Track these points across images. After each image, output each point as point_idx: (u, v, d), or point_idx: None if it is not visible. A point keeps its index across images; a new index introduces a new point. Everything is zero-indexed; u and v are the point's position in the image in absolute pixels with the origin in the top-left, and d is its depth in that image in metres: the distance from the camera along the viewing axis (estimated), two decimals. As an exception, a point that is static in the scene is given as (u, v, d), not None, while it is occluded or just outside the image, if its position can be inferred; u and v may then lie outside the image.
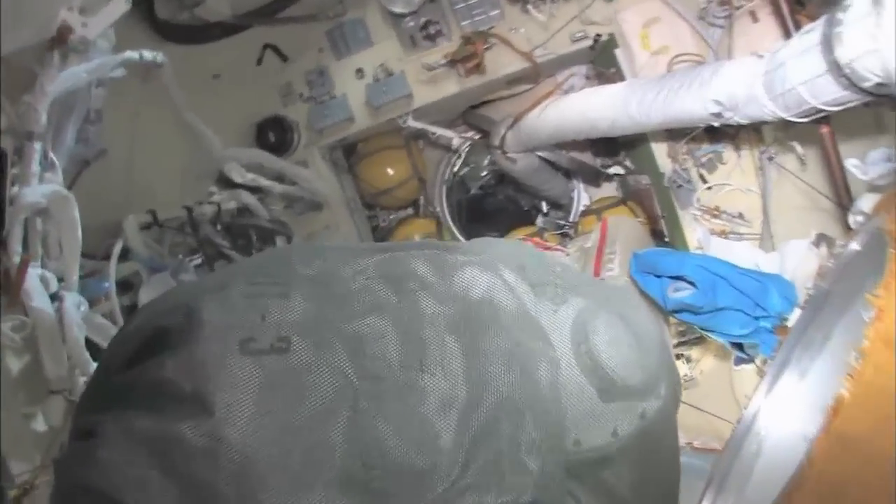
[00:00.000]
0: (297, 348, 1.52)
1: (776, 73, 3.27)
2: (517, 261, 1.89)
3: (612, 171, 6.67)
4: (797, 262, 4.03)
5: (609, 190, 7.16)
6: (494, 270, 1.81)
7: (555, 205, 7.48)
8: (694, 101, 3.89)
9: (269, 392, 1.46)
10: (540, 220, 7.48)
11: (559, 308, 1.83)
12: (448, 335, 1.66)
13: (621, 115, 4.47)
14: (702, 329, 3.88)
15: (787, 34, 3.68)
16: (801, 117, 3.40)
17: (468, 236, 7.47)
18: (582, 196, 7.26)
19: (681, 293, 3.65)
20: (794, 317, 3.58)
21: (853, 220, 3.34)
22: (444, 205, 7.52)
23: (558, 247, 4.99)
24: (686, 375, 5.63)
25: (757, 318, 3.68)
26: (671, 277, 3.75)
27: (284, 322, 1.56)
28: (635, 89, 4.35)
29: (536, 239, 5.15)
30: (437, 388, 1.61)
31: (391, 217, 6.78)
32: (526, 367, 1.70)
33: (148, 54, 4.13)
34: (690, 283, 3.67)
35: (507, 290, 1.79)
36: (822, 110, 3.18)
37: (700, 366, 5.72)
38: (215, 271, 3.87)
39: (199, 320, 1.52)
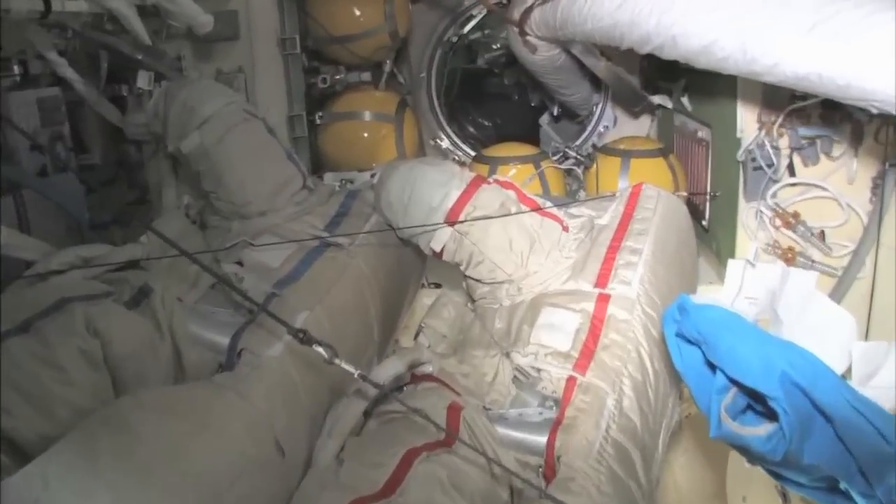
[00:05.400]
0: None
1: None
2: None
3: (657, 100, 4.95)
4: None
5: (642, 126, 5.35)
6: None
7: (569, 112, 5.88)
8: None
9: None
10: (545, 121, 6.02)
11: None
12: None
13: (731, 46, 2.60)
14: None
15: None
16: None
17: (450, 117, 6.09)
18: (606, 114, 5.62)
19: (750, 430, 1.93)
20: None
21: None
22: (433, 70, 6.00)
23: (552, 211, 3.18)
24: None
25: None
26: (735, 382, 2.01)
27: None
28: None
29: (513, 183, 3.31)
30: None
31: (338, 77, 4.97)
32: None
33: None
34: (766, 401, 1.96)
35: None
36: None
37: (690, 408, 4.12)
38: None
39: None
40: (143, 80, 3.50)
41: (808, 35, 2.33)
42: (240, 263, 2.86)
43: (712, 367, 2.13)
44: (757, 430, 1.94)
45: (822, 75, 2.32)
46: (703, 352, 2.17)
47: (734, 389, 2.07)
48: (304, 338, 1.99)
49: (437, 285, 3.96)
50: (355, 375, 2.01)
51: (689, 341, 2.24)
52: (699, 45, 2.82)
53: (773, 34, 2.46)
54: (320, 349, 1.98)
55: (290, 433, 2.31)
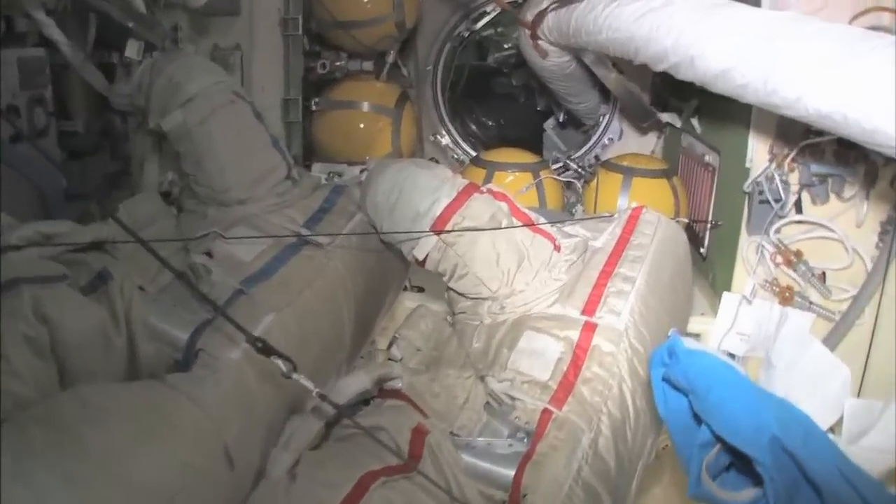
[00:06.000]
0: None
1: None
2: None
3: (665, 118, 4.80)
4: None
5: (647, 143, 5.23)
6: None
7: (575, 120, 5.79)
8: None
9: None
10: (549, 126, 5.93)
11: None
12: None
13: (752, 74, 2.45)
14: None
15: None
16: None
17: (453, 114, 5.94)
18: (612, 127, 5.52)
19: (732, 494, 1.79)
20: None
21: None
22: (440, 65, 5.86)
23: (544, 229, 3.03)
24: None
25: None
26: (720, 438, 1.87)
27: None
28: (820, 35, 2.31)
29: (507, 194, 3.14)
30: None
31: (339, 64, 4.83)
32: None
33: None
34: (750, 464, 1.82)
35: None
36: None
37: (668, 440, 3.99)
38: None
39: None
40: (131, 50, 3.31)
41: (836, 71, 2.17)
42: (210, 254, 2.71)
43: (698, 418, 1.99)
44: (739, 496, 1.80)
45: (847, 116, 2.16)
46: (689, 401, 2.03)
47: (718, 446, 1.93)
48: (261, 347, 1.84)
49: (420, 289, 3.82)
50: (314, 394, 1.86)
51: (676, 387, 2.09)
52: (718, 69, 2.65)
53: (799, 66, 2.30)
54: (279, 361, 1.83)
55: (242, 444, 2.15)
